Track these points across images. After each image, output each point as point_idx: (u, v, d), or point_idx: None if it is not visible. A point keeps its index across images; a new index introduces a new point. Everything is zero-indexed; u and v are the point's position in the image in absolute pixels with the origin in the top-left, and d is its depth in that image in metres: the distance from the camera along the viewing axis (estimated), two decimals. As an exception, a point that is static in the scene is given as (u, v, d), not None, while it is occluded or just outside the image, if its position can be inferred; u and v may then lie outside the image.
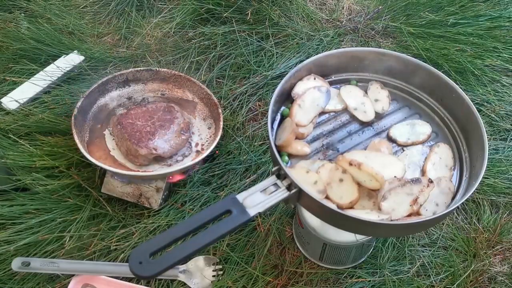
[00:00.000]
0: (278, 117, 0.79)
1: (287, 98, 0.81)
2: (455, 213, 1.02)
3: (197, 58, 1.26)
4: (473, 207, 1.03)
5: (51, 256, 0.91)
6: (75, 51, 1.25)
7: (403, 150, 0.77)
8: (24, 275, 0.89)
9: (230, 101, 1.18)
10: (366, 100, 0.82)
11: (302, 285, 0.91)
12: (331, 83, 0.84)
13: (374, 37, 1.35)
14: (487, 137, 1.13)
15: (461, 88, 0.76)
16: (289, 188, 0.63)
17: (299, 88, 0.81)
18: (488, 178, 1.06)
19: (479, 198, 1.04)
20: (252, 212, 0.57)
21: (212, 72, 1.23)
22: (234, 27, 1.29)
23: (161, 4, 1.41)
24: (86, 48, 1.27)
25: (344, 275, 0.93)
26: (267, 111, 1.15)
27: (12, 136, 1.05)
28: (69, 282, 0.87)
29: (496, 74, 1.26)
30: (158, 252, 0.47)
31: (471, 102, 0.74)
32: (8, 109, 1.12)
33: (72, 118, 1.02)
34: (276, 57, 1.26)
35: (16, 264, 0.87)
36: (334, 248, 0.87)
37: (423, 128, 0.79)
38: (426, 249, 0.97)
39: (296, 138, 0.77)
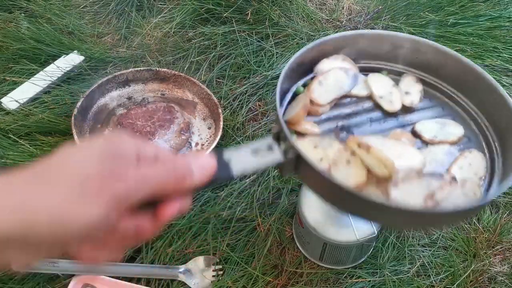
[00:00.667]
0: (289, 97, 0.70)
1: (302, 76, 0.72)
2: (455, 213, 1.02)
3: (197, 58, 1.26)
4: (473, 207, 1.03)
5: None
6: (75, 51, 1.25)
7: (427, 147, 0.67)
8: (24, 275, 0.89)
9: (230, 101, 1.18)
10: (395, 90, 0.72)
11: (302, 285, 0.91)
12: (359, 70, 0.75)
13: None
14: None
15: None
16: (285, 153, 0.54)
17: (324, 65, 0.71)
18: (488, 178, 1.06)
19: (479, 198, 1.04)
20: (236, 171, 0.50)
21: (212, 72, 1.23)
22: (234, 27, 1.29)
23: (161, 4, 1.41)
24: (86, 48, 1.27)
25: (344, 275, 0.93)
26: (268, 111, 1.16)
27: (12, 136, 1.05)
28: (69, 282, 0.87)
29: (496, 74, 1.26)
30: None
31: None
32: (8, 109, 1.12)
33: (72, 118, 1.02)
34: (276, 57, 1.26)
35: (16, 264, 0.87)
36: (335, 247, 0.87)
37: (455, 129, 0.69)
38: (426, 249, 0.97)
39: (309, 115, 0.67)
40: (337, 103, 0.70)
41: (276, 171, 1.04)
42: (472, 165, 0.64)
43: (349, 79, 0.71)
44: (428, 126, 0.68)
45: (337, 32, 1.35)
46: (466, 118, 0.72)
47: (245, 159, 0.52)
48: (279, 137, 0.56)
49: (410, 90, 0.73)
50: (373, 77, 0.73)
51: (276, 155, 0.54)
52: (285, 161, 0.55)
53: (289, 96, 0.69)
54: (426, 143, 0.67)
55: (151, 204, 0.43)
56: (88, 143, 0.42)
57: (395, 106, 0.70)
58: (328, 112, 0.68)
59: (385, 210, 0.54)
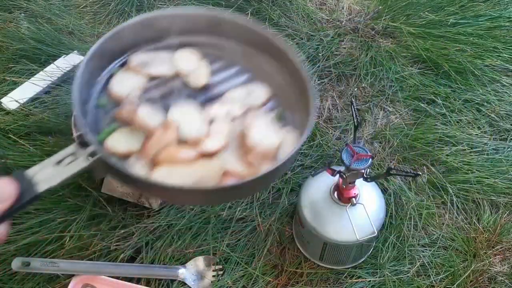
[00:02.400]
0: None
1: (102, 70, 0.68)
2: (455, 213, 1.02)
3: (197, 58, 1.26)
4: (473, 207, 1.03)
5: (51, 256, 0.91)
6: (75, 51, 1.25)
7: None
8: (24, 275, 0.89)
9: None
10: (202, 64, 0.69)
11: (302, 285, 0.91)
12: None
13: (374, 37, 1.35)
14: (487, 137, 1.13)
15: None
16: (92, 156, 0.53)
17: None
18: (488, 178, 1.06)
19: (479, 198, 1.04)
20: (41, 187, 0.49)
21: (212, 72, 1.23)
22: (234, 27, 1.29)
23: (161, 4, 1.41)
24: (86, 48, 1.27)
25: (344, 275, 0.93)
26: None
27: (12, 136, 1.05)
28: (69, 282, 0.87)
29: (496, 74, 1.26)
30: None
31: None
32: (8, 109, 1.12)
33: (72, 118, 1.02)
34: (276, 57, 1.26)
35: (16, 264, 0.87)
36: (335, 247, 0.87)
37: (261, 92, 0.67)
38: (426, 249, 0.97)
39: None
40: (145, 87, 0.66)
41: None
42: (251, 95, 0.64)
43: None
44: (235, 96, 0.66)
45: (337, 32, 1.35)
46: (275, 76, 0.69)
47: (49, 172, 0.51)
48: (83, 142, 0.54)
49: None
50: (179, 54, 0.69)
51: (80, 162, 0.53)
52: (92, 165, 0.53)
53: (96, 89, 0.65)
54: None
55: None
56: None
57: (201, 81, 0.67)
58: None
59: (176, 192, 0.54)
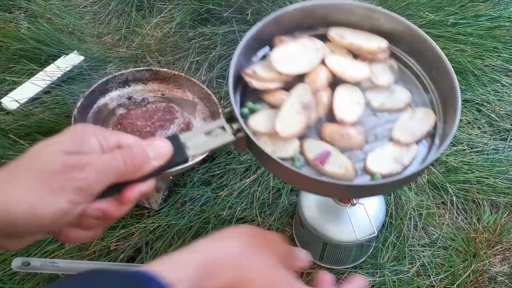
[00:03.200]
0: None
1: (256, 51, 0.74)
2: (455, 213, 1.02)
3: (197, 58, 1.26)
4: (473, 207, 1.03)
5: (51, 256, 0.91)
6: (75, 51, 1.25)
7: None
8: (24, 275, 0.89)
9: (230, 101, 1.17)
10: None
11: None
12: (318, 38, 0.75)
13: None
14: (487, 137, 1.13)
15: (460, 87, 0.74)
16: (237, 132, 0.59)
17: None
18: (488, 178, 1.06)
19: (479, 198, 1.04)
20: (191, 152, 0.54)
21: (212, 72, 1.23)
22: (234, 27, 1.29)
23: (161, 4, 1.41)
24: (86, 48, 1.27)
25: (344, 275, 0.93)
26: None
27: (12, 136, 1.05)
28: (69, 282, 0.87)
29: (496, 74, 1.26)
30: None
31: (454, 74, 0.69)
32: (8, 109, 1.12)
33: (72, 118, 1.02)
34: (276, 57, 1.26)
35: (16, 264, 0.87)
36: (334, 247, 0.87)
37: (402, 95, 0.72)
38: (426, 249, 0.97)
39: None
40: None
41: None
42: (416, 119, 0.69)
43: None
44: (378, 94, 0.70)
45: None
46: (415, 82, 0.74)
47: (199, 140, 0.56)
48: (231, 117, 0.60)
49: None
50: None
51: (228, 135, 0.58)
52: (237, 140, 0.58)
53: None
54: (374, 111, 0.69)
55: (116, 187, 0.47)
56: (55, 139, 0.45)
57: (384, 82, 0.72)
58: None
59: (323, 185, 0.59)
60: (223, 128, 0.58)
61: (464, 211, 1.03)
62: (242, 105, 0.67)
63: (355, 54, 0.74)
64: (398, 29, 0.75)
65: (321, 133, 0.67)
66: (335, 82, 0.70)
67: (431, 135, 0.68)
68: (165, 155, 0.50)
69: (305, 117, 0.65)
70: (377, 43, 0.73)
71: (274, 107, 0.67)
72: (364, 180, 0.64)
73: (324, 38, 0.75)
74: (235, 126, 0.59)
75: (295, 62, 0.70)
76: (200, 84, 1.15)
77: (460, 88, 0.75)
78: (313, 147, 0.65)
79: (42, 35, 1.26)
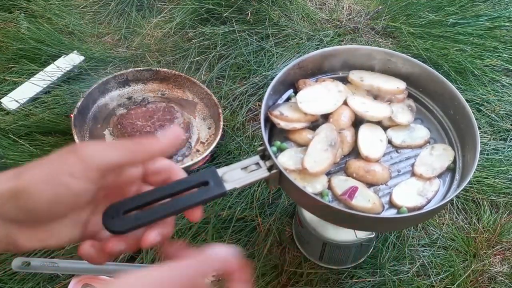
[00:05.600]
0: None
1: (283, 92, 0.81)
2: (455, 213, 1.02)
3: (197, 58, 1.26)
4: (473, 207, 1.03)
5: (51, 256, 0.91)
6: (75, 51, 1.25)
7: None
8: (24, 275, 0.89)
9: (230, 101, 1.18)
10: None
11: (302, 285, 0.91)
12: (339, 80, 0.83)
13: (374, 37, 1.35)
14: (487, 137, 1.13)
15: (460, 87, 0.75)
16: (270, 169, 0.63)
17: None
18: (488, 178, 1.06)
19: (479, 198, 1.04)
20: (228, 186, 0.56)
21: (212, 72, 1.23)
22: (234, 27, 1.29)
23: (161, 4, 1.41)
24: (86, 48, 1.27)
25: (344, 275, 0.93)
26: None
27: (12, 136, 1.05)
28: (69, 282, 0.87)
29: (496, 74, 1.26)
30: (131, 211, 0.48)
31: (471, 112, 0.73)
32: (8, 109, 1.12)
33: (72, 118, 1.02)
34: (276, 57, 1.26)
35: (16, 264, 0.87)
36: (334, 247, 0.87)
37: (422, 133, 0.77)
38: (426, 249, 0.97)
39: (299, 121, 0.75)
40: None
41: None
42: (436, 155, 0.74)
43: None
44: (398, 132, 0.76)
45: (337, 32, 1.35)
46: (433, 120, 0.80)
47: (236, 174, 0.59)
48: (264, 155, 0.64)
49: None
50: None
51: (263, 171, 0.62)
52: (270, 176, 0.63)
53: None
54: (396, 147, 0.75)
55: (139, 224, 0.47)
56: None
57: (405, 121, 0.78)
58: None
59: (353, 218, 0.63)
60: (257, 164, 0.62)
61: (464, 211, 1.03)
62: (269, 143, 0.72)
63: (375, 95, 0.79)
64: (415, 72, 0.80)
65: (347, 169, 0.72)
66: (357, 121, 0.76)
67: (451, 170, 0.73)
68: (176, 136, 0.48)
69: (332, 154, 0.69)
70: (395, 84, 0.79)
71: (300, 145, 0.74)
72: (390, 213, 0.68)
73: (343, 80, 0.81)
74: (268, 163, 0.63)
75: (319, 103, 0.75)
76: (200, 84, 1.15)
77: (460, 88, 0.76)
78: (340, 183, 0.70)
79: (42, 35, 1.26)
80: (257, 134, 1.12)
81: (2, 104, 1.13)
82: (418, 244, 0.97)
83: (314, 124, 0.75)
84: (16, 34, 1.27)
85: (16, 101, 1.13)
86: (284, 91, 0.80)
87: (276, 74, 0.76)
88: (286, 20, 1.35)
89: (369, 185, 0.71)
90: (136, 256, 0.93)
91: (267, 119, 0.75)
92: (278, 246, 0.96)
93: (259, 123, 1.14)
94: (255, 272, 0.91)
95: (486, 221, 1.01)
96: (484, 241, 0.98)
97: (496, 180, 1.05)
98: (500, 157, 1.10)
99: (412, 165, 0.73)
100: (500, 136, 1.16)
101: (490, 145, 1.12)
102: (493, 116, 1.18)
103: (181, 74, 1.17)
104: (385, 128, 0.76)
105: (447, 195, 0.70)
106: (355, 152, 0.74)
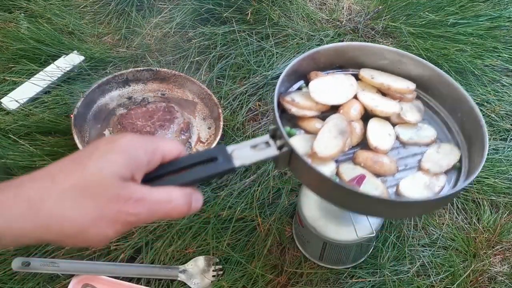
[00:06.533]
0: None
1: (296, 81, 0.80)
2: (455, 213, 1.02)
3: (197, 58, 1.26)
4: (473, 207, 1.03)
5: (51, 256, 0.91)
6: (75, 51, 1.25)
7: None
8: (24, 275, 0.89)
9: (230, 101, 1.18)
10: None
11: (302, 285, 0.91)
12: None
13: (374, 37, 1.35)
14: (487, 137, 1.13)
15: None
16: (280, 148, 0.62)
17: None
18: (488, 178, 1.06)
19: (479, 198, 1.04)
20: (237, 162, 0.56)
21: (212, 72, 1.23)
22: (234, 27, 1.29)
23: (161, 4, 1.41)
24: (86, 48, 1.27)
25: (344, 275, 0.93)
26: (267, 111, 1.16)
27: (12, 136, 1.05)
28: (69, 282, 0.87)
29: (496, 74, 1.26)
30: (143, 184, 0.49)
31: (480, 115, 0.74)
32: (8, 109, 1.12)
33: (72, 118, 1.02)
34: (276, 57, 1.26)
35: (16, 264, 0.87)
36: (334, 247, 0.87)
37: (429, 132, 0.78)
38: (426, 249, 0.97)
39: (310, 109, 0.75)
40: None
41: (275, 171, 1.04)
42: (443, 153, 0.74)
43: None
44: (406, 129, 0.77)
45: (337, 32, 1.35)
46: (439, 122, 0.80)
47: (245, 152, 0.59)
48: (275, 135, 0.63)
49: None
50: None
51: (272, 150, 0.61)
52: (280, 155, 0.62)
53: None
54: (403, 143, 0.76)
55: None
56: (109, 158, 0.46)
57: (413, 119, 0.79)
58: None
59: (367, 201, 0.61)
60: (267, 143, 0.62)
61: (464, 211, 1.03)
62: None
63: (384, 93, 0.80)
64: (425, 74, 0.80)
65: (355, 159, 0.72)
66: (366, 116, 0.76)
67: (457, 169, 0.74)
68: (198, 209, 0.52)
69: (342, 141, 0.70)
70: (406, 84, 0.80)
71: (309, 133, 0.74)
72: (403, 199, 0.68)
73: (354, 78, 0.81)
74: (278, 142, 0.62)
75: (331, 94, 0.76)
76: (200, 84, 1.15)
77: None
78: (348, 170, 0.70)
79: (42, 35, 1.26)
80: (257, 134, 1.12)
81: (2, 104, 1.13)
82: (418, 244, 0.97)
83: (324, 114, 0.75)
84: (16, 34, 1.27)
85: (16, 101, 1.13)
86: (295, 82, 0.80)
87: (283, 69, 0.76)
88: (286, 20, 1.35)
89: (376, 175, 0.71)
90: (136, 256, 0.93)
91: (278, 105, 0.75)
92: (278, 246, 0.96)
93: (260, 123, 1.15)
94: (255, 272, 0.91)
95: (486, 221, 1.01)
96: (484, 241, 0.98)
97: (496, 180, 1.05)
98: (500, 157, 1.10)
99: (419, 161, 0.74)
100: (500, 136, 1.16)
101: (490, 145, 1.12)
102: (493, 116, 1.18)
103: (181, 74, 1.17)
104: (393, 125, 0.77)
105: (455, 188, 0.70)
106: (363, 144, 0.75)
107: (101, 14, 1.40)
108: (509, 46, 1.32)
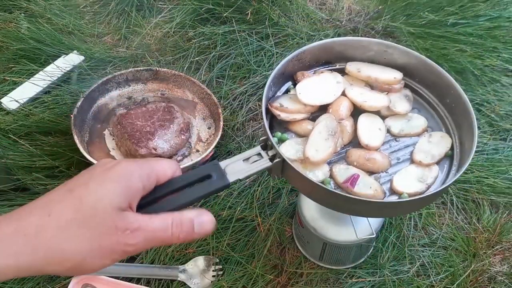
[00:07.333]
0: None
1: (282, 84, 0.81)
2: (455, 213, 1.02)
3: (197, 58, 1.26)
4: (473, 207, 1.03)
5: (51, 256, 0.91)
6: (75, 51, 1.25)
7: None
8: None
9: (230, 101, 1.18)
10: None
11: (302, 285, 0.91)
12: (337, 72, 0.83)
13: (374, 37, 1.35)
14: (487, 137, 1.13)
15: (461, 87, 0.75)
16: (272, 158, 0.63)
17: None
18: (488, 178, 1.06)
19: (479, 198, 1.04)
20: (231, 178, 0.56)
21: (212, 72, 1.23)
22: (234, 27, 1.29)
23: (161, 4, 1.41)
24: (86, 48, 1.27)
25: (344, 275, 0.93)
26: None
27: (12, 136, 1.05)
28: (69, 282, 0.87)
29: (496, 74, 1.26)
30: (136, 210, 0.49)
31: (468, 100, 0.74)
32: (8, 109, 1.12)
33: (72, 118, 1.02)
34: (276, 57, 1.26)
35: (16, 264, 0.87)
36: (334, 247, 0.87)
37: (419, 122, 0.78)
38: (426, 249, 0.97)
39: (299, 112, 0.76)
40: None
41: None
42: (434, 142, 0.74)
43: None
44: (396, 121, 0.77)
45: (337, 32, 1.35)
46: (429, 109, 0.80)
47: (239, 166, 0.59)
48: (266, 145, 0.64)
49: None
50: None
51: (265, 161, 0.62)
52: (273, 166, 0.63)
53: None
54: (394, 136, 0.76)
55: None
56: (106, 187, 0.46)
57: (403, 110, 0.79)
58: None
59: (358, 203, 0.63)
60: (259, 154, 0.62)
61: (464, 211, 1.03)
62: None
63: (372, 86, 0.81)
64: (411, 62, 0.81)
65: (347, 158, 0.73)
66: (356, 111, 0.77)
67: (449, 157, 0.74)
68: (208, 232, 0.51)
69: (333, 143, 0.70)
70: (393, 74, 0.80)
71: (301, 136, 0.74)
72: (392, 199, 0.69)
73: (341, 72, 0.82)
74: (270, 153, 0.63)
75: (318, 94, 0.76)
76: (200, 84, 1.15)
77: (460, 86, 0.76)
78: (342, 171, 0.70)
79: (42, 35, 1.26)
80: (257, 134, 1.12)
81: (2, 104, 1.13)
82: (418, 244, 0.97)
83: (314, 115, 0.76)
84: (16, 34, 1.27)
85: (16, 101, 1.13)
86: (283, 84, 0.80)
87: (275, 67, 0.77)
88: (286, 20, 1.35)
89: (370, 173, 0.71)
90: (136, 256, 0.93)
91: (267, 111, 0.75)
92: (278, 246, 0.96)
93: (259, 123, 1.15)
94: (255, 272, 0.91)
95: (486, 221, 1.01)
96: (484, 241, 0.98)
97: (496, 180, 1.05)
98: (500, 157, 1.10)
99: (411, 152, 0.74)
100: (500, 136, 1.16)
101: (490, 145, 1.12)
102: (493, 116, 1.18)
103: (181, 74, 1.17)
104: (383, 118, 0.77)
105: (446, 181, 0.71)
106: (354, 142, 0.75)
107: (101, 14, 1.40)
108: (509, 46, 1.32)
